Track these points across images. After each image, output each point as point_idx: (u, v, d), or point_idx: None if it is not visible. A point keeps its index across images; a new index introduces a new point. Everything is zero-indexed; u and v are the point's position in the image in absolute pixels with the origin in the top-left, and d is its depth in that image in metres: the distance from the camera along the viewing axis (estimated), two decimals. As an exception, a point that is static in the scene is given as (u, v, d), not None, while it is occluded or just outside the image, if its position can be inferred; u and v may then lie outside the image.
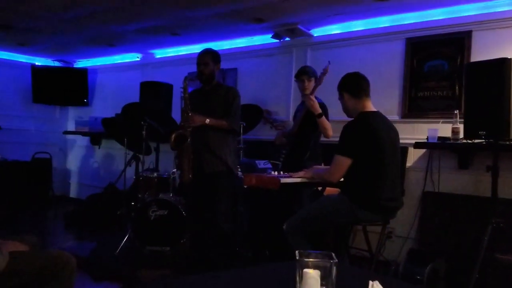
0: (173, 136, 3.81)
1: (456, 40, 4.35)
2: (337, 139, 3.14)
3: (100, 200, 6.15)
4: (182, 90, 3.86)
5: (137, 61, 7.31)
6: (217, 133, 3.87)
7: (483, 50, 4.15)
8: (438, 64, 4.46)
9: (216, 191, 3.87)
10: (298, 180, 3.34)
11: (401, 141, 3.28)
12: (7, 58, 7.61)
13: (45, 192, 7.35)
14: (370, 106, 3.19)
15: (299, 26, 5.11)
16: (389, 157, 3.07)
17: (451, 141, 3.94)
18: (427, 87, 4.51)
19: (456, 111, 3.95)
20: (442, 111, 4.37)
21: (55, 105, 8.20)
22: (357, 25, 5.01)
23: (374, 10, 4.56)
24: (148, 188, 4.86)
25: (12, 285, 2.13)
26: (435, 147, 4.18)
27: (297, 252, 1.48)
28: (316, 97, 4.02)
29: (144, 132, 4.86)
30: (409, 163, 4.52)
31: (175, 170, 4.73)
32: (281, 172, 3.57)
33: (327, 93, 4.18)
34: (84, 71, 7.83)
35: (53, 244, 5.11)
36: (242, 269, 2.77)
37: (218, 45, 5.81)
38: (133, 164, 5.49)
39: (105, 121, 6.29)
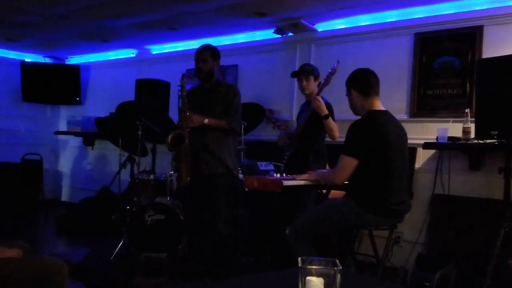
0: (170, 136, 3.81)
1: (467, 35, 4.35)
2: (343, 140, 3.15)
3: (94, 204, 6.15)
4: (179, 88, 3.87)
5: (133, 57, 7.32)
6: (216, 133, 3.87)
7: (495, 46, 4.15)
8: (449, 60, 4.46)
9: (215, 194, 3.87)
10: (302, 182, 3.34)
11: (409, 141, 3.29)
12: (-4, 54, 7.64)
13: (35, 195, 7.35)
14: (379, 104, 3.20)
15: (303, 21, 5.12)
16: (398, 159, 3.08)
17: (462, 142, 3.94)
18: (437, 85, 4.52)
19: (467, 110, 3.95)
20: (452, 110, 4.38)
21: (46, 103, 8.20)
22: (364, 20, 5.02)
23: (382, 4, 4.57)
24: (144, 192, 4.86)
25: (1, 294, 2.14)
26: (445, 148, 4.18)
27: (299, 258, 1.49)
28: (321, 97, 4.03)
29: (139, 132, 4.86)
30: (417, 165, 4.53)
31: (172, 172, 4.72)
32: (284, 174, 3.58)
33: (332, 91, 4.18)
34: (76, 68, 7.84)
35: (44, 251, 5.12)
36: (243, 276, 2.78)
37: (218, 41, 5.82)
38: (128, 166, 5.50)
39: (99, 120, 6.31)
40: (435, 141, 4.15)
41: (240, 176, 4.39)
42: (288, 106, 5.59)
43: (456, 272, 3.70)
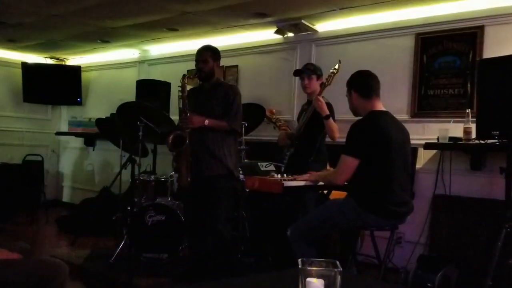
0: (171, 137, 3.81)
1: (468, 35, 4.35)
2: (344, 140, 3.15)
3: (95, 205, 6.15)
4: (180, 88, 3.87)
5: (133, 58, 7.32)
6: (217, 134, 3.87)
7: (496, 46, 4.14)
8: (449, 60, 4.46)
9: (216, 195, 3.87)
10: (303, 183, 3.34)
11: (410, 141, 3.28)
12: (-4, 55, 7.64)
13: (36, 196, 7.33)
14: (380, 105, 3.20)
15: (303, 21, 5.11)
16: (399, 159, 3.08)
17: (463, 142, 3.94)
18: (438, 85, 4.51)
19: (468, 110, 3.95)
20: (453, 110, 4.37)
21: (47, 104, 8.21)
22: (364, 20, 5.00)
23: (382, 4, 4.56)
24: (144, 192, 4.86)
25: (1, 296, 2.14)
26: (446, 148, 4.18)
27: (299, 260, 1.48)
28: (322, 97, 4.03)
29: (140, 133, 4.85)
30: (419, 165, 4.52)
31: (173, 173, 4.72)
32: (285, 175, 3.57)
33: (332, 91, 4.17)
34: (77, 68, 7.84)
35: (44, 251, 5.12)
36: (243, 277, 2.77)
37: (218, 41, 5.81)
38: (129, 167, 5.46)
39: (100, 121, 6.30)
40: (436, 141, 4.15)
41: (241, 176, 4.39)
42: (289, 106, 5.58)
43: (458, 272, 3.69)
